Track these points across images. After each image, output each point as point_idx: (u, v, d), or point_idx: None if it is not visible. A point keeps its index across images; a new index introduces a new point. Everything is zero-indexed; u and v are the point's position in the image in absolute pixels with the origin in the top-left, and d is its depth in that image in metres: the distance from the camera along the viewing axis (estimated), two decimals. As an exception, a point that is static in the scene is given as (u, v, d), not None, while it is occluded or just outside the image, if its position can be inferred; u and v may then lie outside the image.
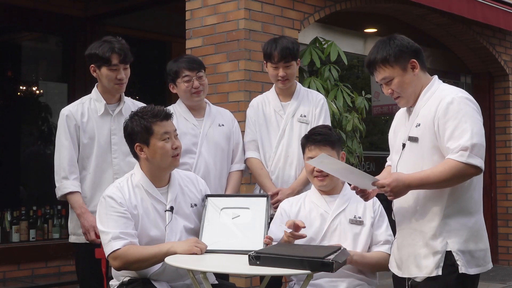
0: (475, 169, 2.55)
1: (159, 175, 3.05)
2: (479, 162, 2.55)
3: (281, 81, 3.79)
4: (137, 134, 2.98)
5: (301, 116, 3.84)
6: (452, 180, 2.57)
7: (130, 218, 2.93)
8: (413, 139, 2.72)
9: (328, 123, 3.88)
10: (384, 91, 2.82)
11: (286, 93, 3.89)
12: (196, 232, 3.10)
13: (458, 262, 2.61)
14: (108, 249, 2.90)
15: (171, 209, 3.03)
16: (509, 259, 7.79)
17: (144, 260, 2.88)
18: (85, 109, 3.58)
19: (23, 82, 7.31)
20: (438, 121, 2.62)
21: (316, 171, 3.23)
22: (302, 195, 3.40)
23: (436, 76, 2.81)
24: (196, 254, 2.85)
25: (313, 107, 3.87)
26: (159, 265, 2.94)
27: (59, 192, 3.52)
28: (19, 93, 7.28)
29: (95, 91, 3.64)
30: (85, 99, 3.64)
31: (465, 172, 2.55)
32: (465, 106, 2.61)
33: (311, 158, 3.22)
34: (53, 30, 7.15)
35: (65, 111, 3.57)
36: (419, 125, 2.70)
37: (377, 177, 2.72)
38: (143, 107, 3.09)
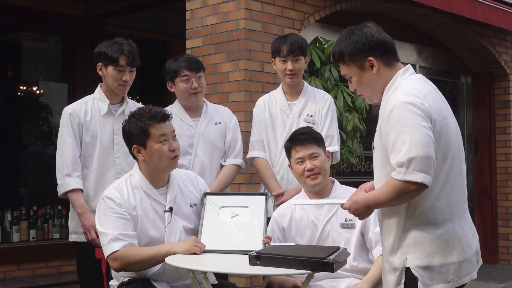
0: (417, 185, 2.29)
1: (158, 176, 3.05)
2: (420, 177, 2.28)
3: (289, 75, 3.78)
4: (134, 136, 2.98)
5: (307, 116, 3.83)
6: (398, 199, 2.36)
7: (129, 219, 2.93)
8: (372, 148, 2.57)
9: (335, 123, 3.87)
10: (349, 87, 2.65)
11: (293, 92, 3.89)
12: (195, 232, 3.10)
13: (418, 279, 2.39)
14: (107, 250, 2.89)
15: (170, 209, 3.03)
16: (509, 259, 7.79)
17: (144, 261, 2.88)
18: (88, 108, 3.59)
19: (23, 82, 7.31)
20: (383, 131, 2.42)
21: (307, 171, 3.19)
22: (293, 200, 3.37)
23: (401, 70, 2.51)
24: (195, 253, 2.86)
25: (320, 107, 3.85)
26: (159, 265, 2.94)
27: (61, 190, 3.52)
28: (19, 93, 7.28)
29: (98, 91, 3.65)
30: (88, 98, 3.65)
31: (406, 190, 2.31)
32: (406, 113, 2.33)
33: (300, 159, 3.23)
34: (53, 30, 7.15)
35: (69, 109, 3.58)
36: (375, 132, 2.52)
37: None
38: (141, 108, 3.08)
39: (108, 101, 3.60)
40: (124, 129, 3.05)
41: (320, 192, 3.25)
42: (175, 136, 3.06)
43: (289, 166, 3.39)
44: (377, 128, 2.49)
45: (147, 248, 2.92)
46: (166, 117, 3.03)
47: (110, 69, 3.53)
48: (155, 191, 3.03)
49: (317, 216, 3.21)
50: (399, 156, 2.31)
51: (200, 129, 3.76)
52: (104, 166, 3.57)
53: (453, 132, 2.47)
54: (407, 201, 2.39)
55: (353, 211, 2.50)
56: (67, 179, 3.50)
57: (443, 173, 2.41)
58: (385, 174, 2.42)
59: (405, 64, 2.60)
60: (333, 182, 3.32)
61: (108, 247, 2.89)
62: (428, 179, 2.30)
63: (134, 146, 3.00)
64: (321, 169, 3.20)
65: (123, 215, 2.92)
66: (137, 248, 2.90)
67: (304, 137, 3.24)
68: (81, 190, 3.52)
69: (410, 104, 2.34)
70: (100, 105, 3.60)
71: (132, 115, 3.03)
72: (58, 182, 3.54)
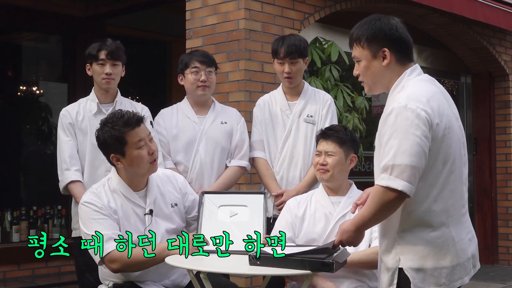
0: (397, 193, 2.27)
1: (137, 180, 3.02)
2: (401, 185, 2.25)
3: (287, 78, 3.78)
4: (111, 145, 2.91)
5: (307, 116, 3.83)
6: (381, 209, 2.32)
7: (114, 220, 2.91)
8: (374, 147, 2.54)
9: (335, 124, 3.87)
10: (354, 70, 2.59)
11: (293, 92, 3.89)
12: (178, 231, 3.10)
13: (410, 280, 2.37)
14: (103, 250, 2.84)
15: (150, 212, 3.01)
16: (509, 259, 7.78)
17: (145, 262, 2.86)
18: (80, 108, 3.74)
19: (23, 82, 7.31)
20: (380, 132, 2.40)
21: (319, 164, 3.28)
22: (309, 193, 3.41)
23: (408, 70, 2.48)
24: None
25: (320, 107, 3.86)
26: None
27: (62, 184, 3.64)
28: (19, 93, 7.28)
29: (92, 92, 3.79)
30: (82, 100, 3.81)
31: (387, 198, 2.28)
32: (402, 119, 2.29)
33: (318, 152, 3.33)
34: (53, 30, 7.15)
35: (63, 111, 3.76)
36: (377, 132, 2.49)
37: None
38: (112, 114, 3.00)
39: (97, 101, 3.72)
40: (98, 139, 2.97)
41: (335, 190, 3.31)
42: (151, 138, 3.00)
43: None
44: (378, 128, 2.48)
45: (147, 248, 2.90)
46: (140, 121, 2.95)
47: (94, 65, 3.70)
48: (134, 195, 3.00)
49: (331, 211, 3.25)
50: (385, 160, 2.31)
51: (204, 127, 3.77)
52: (94, 164, 3.66)
53: (455, 136, 2.44)
54: (390, 211, 2.36)
55: (345, 240, 2.48)
56: (66, 173, 3.62)
57: (442, 176, 2.39)
58: None
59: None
60: (350, 185, 3.38)
61: (102, 249, 2.83)
62: (409, 188, 2.28)
63: (112, 155, 2.94)
64: (332, 167, 3.26)
65: (108, 216, 2.90)
66: (137, 249, 2.87)
67: (330, 133, 3.33)
68: (81, 182, 3.61)
69: (409, 110, 2.31)
70: (91, 105, 3.73)
71: (105, 123, 2.94)
72: (59, 178, 3.66)
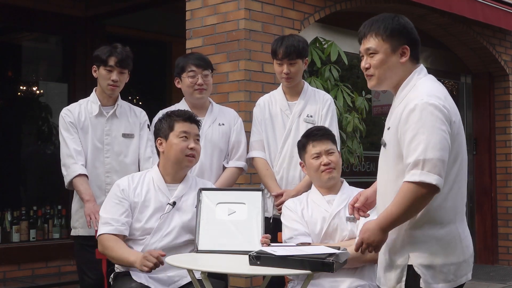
0: (429, 188, 2.29)
1: (172, 172, 3.20)
2: (435, 179, 2.28)
3: (285, 78, 3.79)
4: (161, 129, 3.23)
5: (307, 116, 3.83)
6: (414, 206, 2.33)
7: (125, 206, 3.11)
8: (383, 143, 2.54)
9: (335, 123, 3.87)
10: (361, 63, 2.59)
11: (293, 92, 3.89)
12: (192, 231, 3.13)
13: (420, 277, 2.39)
14: (98, 231, 3.13)
15: (173, 204, 3.14)
16: (509, 259, 7.78)
17: (112, 257, 3.07)
18: (82, 109, 3.75)
19: (23, 82, 7.31)
20: (400, 129, 2.40)
21: (323, 165, 3.28)
22: (304, 195, 3.41)
23: (417, 69, 2.54)
24: (146, 269, 2.87)
25: (320, 107, 3.86)
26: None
27: (68, 178, 3.64)
28: (19, 93, 7.27)
29: (93, 93, 3.80)
30: (83, 101, 3.82)
31: (419, 193, 2.30)
32: (427, 114, 2.33)
33: (316, 154, 3.32)
34: (53, 30, 7.15)
35: (64, 110, 3.77)
36: (389, 128, 2.51)
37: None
38: (177, 109, 3.35)
39: (99, 103, 3.74)
40: (155, 125, 3.33)
41: (331, 188, 3.33)
42: (198, 139, 3.23)
43: (301, 164, 3.47)
44: (390, 125, 2.49)
45: (121, 247, 3.04)
46: (193, 120, 3.24)
47: (101, 69, 3.71)
48: (164, 185, 3.18)
49: (327, 209, 3.27)
50: (415, 155, 2.32)
51: (203, 129, 3.77)
52: (94, 165, 3.70)
53: (463, 135, 2.49)
54: (421, 207, 2.35)
55: (367, 239, 2.42)
56: (72, 166, 3.62)
57: (452, 174, 2.41)
58: (397, 172, 2.43)
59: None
60: (342, 182, 3.39)
61: (99, 229, 3.13)
62: (441, 182, 2.31)
63: (158, 138, 3.23)
64: (336, 164, 3.32)
65: (121, 202, 3.11)
66: (115, 242, 3.04)
67: (320, 133, 3.38)
68: (87, 177, 3.62)
69: (432, 105, 2.34)
70: (93, 107, 3.75)
71: (166, 113, 3.30)
72: (65, 173, 3.66)
